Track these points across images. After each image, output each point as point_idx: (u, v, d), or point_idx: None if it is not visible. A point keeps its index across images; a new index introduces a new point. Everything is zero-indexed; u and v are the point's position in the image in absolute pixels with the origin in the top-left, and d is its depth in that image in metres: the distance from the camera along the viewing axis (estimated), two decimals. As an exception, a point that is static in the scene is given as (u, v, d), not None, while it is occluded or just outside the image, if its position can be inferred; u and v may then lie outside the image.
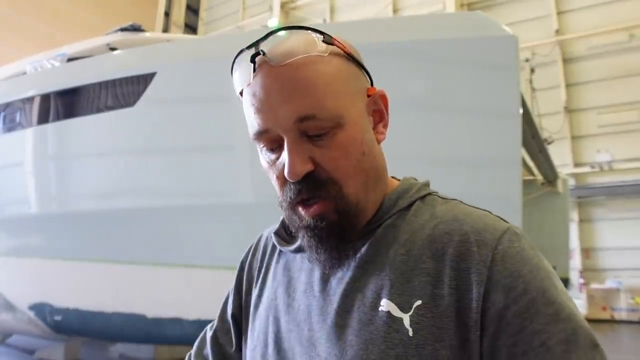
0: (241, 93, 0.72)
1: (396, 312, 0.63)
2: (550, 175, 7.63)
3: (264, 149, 0.70)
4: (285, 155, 0.66)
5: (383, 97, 0.75)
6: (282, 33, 0.68)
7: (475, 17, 4.38)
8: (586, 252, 11.37)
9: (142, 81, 4.61)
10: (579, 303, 10.53)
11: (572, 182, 10.56)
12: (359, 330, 0.65)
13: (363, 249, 0.70)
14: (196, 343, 0.96)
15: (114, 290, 4.90)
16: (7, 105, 5.52)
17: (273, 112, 0.65)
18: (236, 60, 0.71)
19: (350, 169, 0.67)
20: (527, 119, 5.25)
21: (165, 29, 18.30)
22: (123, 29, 6.20)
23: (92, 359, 6.71)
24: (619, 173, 11.03)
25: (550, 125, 10.67)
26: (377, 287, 0.66)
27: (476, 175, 3.83)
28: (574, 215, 11.20)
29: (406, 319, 0.62)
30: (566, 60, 12.05)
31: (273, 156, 0.69)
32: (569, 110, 11.78)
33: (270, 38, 0.67)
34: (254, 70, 0.67)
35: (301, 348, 0.71)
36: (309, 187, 0.66)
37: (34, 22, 13.54)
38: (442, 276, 0.63)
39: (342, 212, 0.67)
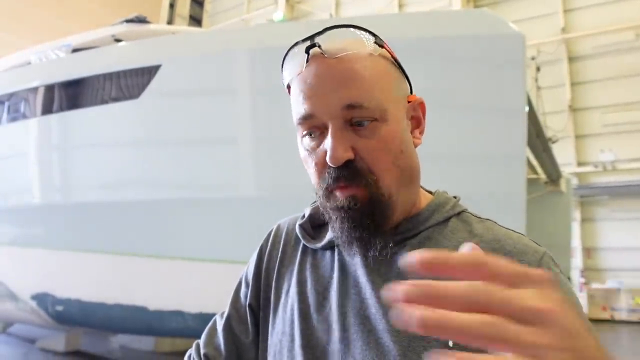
0: (289, 87, 0.75)
1: None
2: (553, 174, 7.61)
3: (306, 136, 0.72)
4: (328, 141, 0.68)
5: (422, 105, 0.78)
6: (336, 29, 0.71)
7: (482, 15, 4.36)
8: (588, 251, 11.36)
9: (147, 73, 4.61)
10: (580, 302, 10.53)
11: (575, 181, 10.53)
12: (397, 337, 0.66)
13: (399, 257, 0.71)
14: (205, 332, 0.94)
15: (115, 282, 4.91)
16: (12, 95, 5.52)
17: (323, 98, 0.68)
18: (289, 53, 0.74)
19: (388, 163, 0.70)
20: (532, 118, 5.24)
21: (170, 21, 18.26)
22: (128, 21, 6.20)
23: (93, 349, 6.74)
24: (623, 173, 11.00)
25: (554, 123, 10.65)
26: None
27: (481, 173, 3.83)
28: (576, 215, 11.17)
29: None
30: (572, 59, 12.00)
31: (313, 143, 0.72)
32: (573, 109, 11.74)
33: (327, 33, 0.70)
34: (307, 60, 0.70)
35: (333, 348, 0.72)
36: (347, 174, 0.68)
37: (39, 12, 13.53)
38: None
39: (375, 201, 0.69)
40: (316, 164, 0.72)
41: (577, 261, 10.96)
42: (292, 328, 0.78)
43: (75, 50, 5.80)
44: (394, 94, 0.72)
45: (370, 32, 0.72)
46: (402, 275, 0.69)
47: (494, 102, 3.90)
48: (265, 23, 10.58)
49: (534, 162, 6.83)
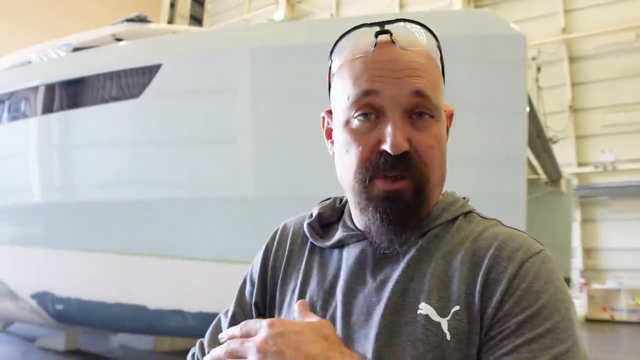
0: (336, 69, 0.75)
1: (434, 316, 0.66)
2: (553, 175, 7.61)
3: (356, 118, 0.71)
4: (388, 129, 0.68)
5: (451, 117, 0.80)
6: (408, 23, 0.73)
7: (483, 15, 4.37)
8: (588, 252, 11.35)
9: (148, 72, 4.61)
10: (579, 303, 10.53)
11: (575, 181, 10.52)
12: (398, 332, 0.67)
13: (408, 256, 0.72)
14: (209, 331, 0.94)
15: (115, 281, 4.91)
16: (12, 94, 5.52)
17: (392, 80, 0.69)
18: (351, 33, 0.73)
19: (437, 160, 0.71)
20: (533, 118, 5.24)
21: (171, 20, 18.26)
22: (129, 20, 6.20)
23: (92, 348, 6.74)
24: (623, 173, 11.00)
25: (554, 124, 10.64)
26: (416, 292, 0.69)
27: (481, 173, 3.83)
28: (577, 215, 11.17)
29: (444, 323, 0.65)
30: (572, 59, 12.00)
31: (364, 126, 0.70)
32: (574, 109, 11.74)
33: (398, 23, 0.72)
34: (375, 45, 0.70)
35: None
36: (402, 164, 0.68)
37: (40, 12, 13.53)
38: (474, 285, 0.67)
39: (419, 192, 0.70)
40: (364, 149, 0.70)
41: (577, 262, 10.95)
42: None
43: (75, 50, 5.80)
44: (442, 98, 0.74)
45: (434, 36, 0.74)
46: (408, 274, 0.71)
47: (494, 102, 3.90)
48: (266, 23, 10.58)
49: (535, 163, 6.83)
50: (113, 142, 4.88)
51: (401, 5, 14.17)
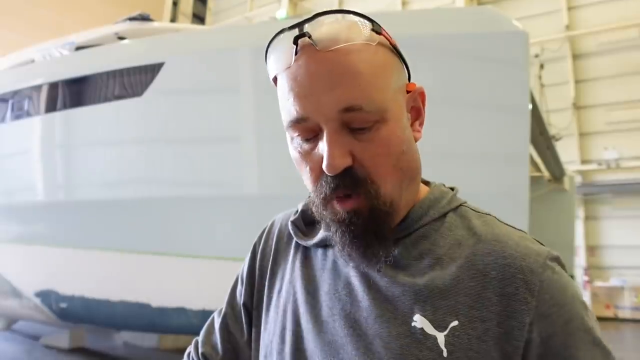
0: (275, 79, 0.68)
1: (430, 329, 0.61)
2: (557, 172, 7.59)
3: (298, 138, 0.66)
4: (324, 147, 0.61)
5: (422, 95, 0.72)
6: (329, 16, 0.64)
7: (486, 12, 4.35)
8: (591, 249, 11.32)
9: (150, 71, 4.62)
10: (583, 301, 10.51)
11: (578, 179, 10.49)
12: (389, 343, 0.62)
13: (392, 256, 0.67)
14: (203, 330, 0.94)
15: (119, 279, 4.93)
16: (16, 93, 5.54)
17: (316, 99, 0.61)
18: (274, 41, 0.65)
19: (389, 168, 0.64)
20: (536, 115, 5.22)
21: (173, 19, 18.26)
22: (132, 18, 6.20)
23: (96, 346, 6.76)
24: (626, 171, 10.96)
25: (558, 121, 10.62)
26: (408, 300, 0.64)
27: (484, 171, 3.82)
28: (580, 213, 11.14)
29: (440, 337, 0.60)
30: (576, 56, 11.95)
31: (307, 146, 0.65)
32: (577, 106, 11.69)
33: (317, 20, 0.63)
34: (296, 52, 0.62)
35: (322, 351, 0.68)
36: (346, 183, 0.62)
37: (43, 10, 13.54)
38: (482, 299, 0.61)
39: (376, 210, 0.64)
40: (312, 170, 0.65)
41: (580, 259, 10.93)
42: (283, 330, 0.75)
43: (78, 48, 5.81)
44: (393, 87, 0.65)
45: (366, 18, 0.64)
46: (394, 277, 0.66)
47: (497, 99, 3.89)
48: (268, 21, 10.57)
49: (538, 160, 6.81)
50: (116, 140, 4.89)
51: (403, 3, 14.14)
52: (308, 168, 0.66)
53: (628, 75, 11.19)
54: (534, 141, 5.66)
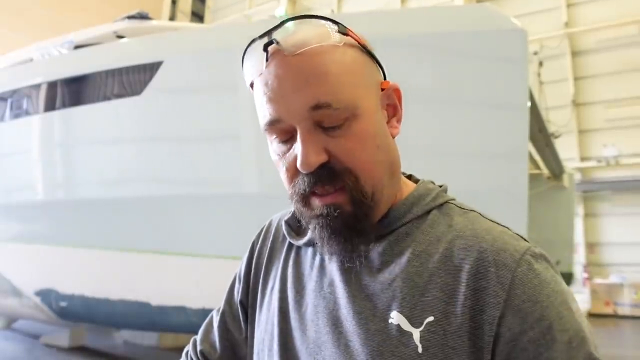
0: (252, 85, 0.70)
1: (406, 326, 0.62)
2: (556, 170, 7.60)
3: (275, 140, 0.68)
4: (298, 146, 0.63)
5: (397, 91, 0.73)
6: (295, 22, 0.66)
7: (484, 10, 4.34)
8: (590, 246, 11.34)
9: (149, 70, 4.61)
10: (582, 298, 10.53)
11: (578, 176, 10.50)
12: (367, 340, 0.63)
13: (374, 255, 0.68)
14: (202, 327, 0.95)
15: (119, 278, 4.93)
16: (15, 92, 5.53)
17: (286, 100, 0.63)
18: (247, 50, 0.69)
19: (365, 162, 0.65)
20: (535, 113, 5.23)
21: (172, 17, 18.24)
22: (130, 17, 6.18)
23: (97, 345, 6.76)
24: (626, 168, 10.97)
25: (557, 118, 10.62)
26: (387, 298, 0.64)
27: (483, 168, 3.82)
28: (579, 210, 11.16)
29: (416, 334, 0.61)
30: (575, 53, 11.95)
31: (284, 147, 0.67)
32: (576, 103, 11.70)
33: (284, 27, 0.65)
34: (267, 59, 0.64)
35: (307, 349, 0.70)
36: (323, 177, 0.64)
37: (41, 9, 13.52)
38: (456, 293, 0.61)
39: (357, 203, 0.65)
40: (287, 170, 0.67)
41: (580, 256, 10.95)
42: (272, 327, 0.76)
43: (77, 47, 5.80)
44: (365, 85, 0.66)
45: (332, 21, 0.65)
46: (375, 274, 0.67)
47: (496, 97, 3.89)
48: (267, 19, 10.56)
49: (537, 157, 6.82)
50: (115, 139, 4.89)
51: (403, 1, 14.13)
52: (284, 169, 0.68)
53: (627, 72, 11.19)
54: (533, 138, 5.67)
